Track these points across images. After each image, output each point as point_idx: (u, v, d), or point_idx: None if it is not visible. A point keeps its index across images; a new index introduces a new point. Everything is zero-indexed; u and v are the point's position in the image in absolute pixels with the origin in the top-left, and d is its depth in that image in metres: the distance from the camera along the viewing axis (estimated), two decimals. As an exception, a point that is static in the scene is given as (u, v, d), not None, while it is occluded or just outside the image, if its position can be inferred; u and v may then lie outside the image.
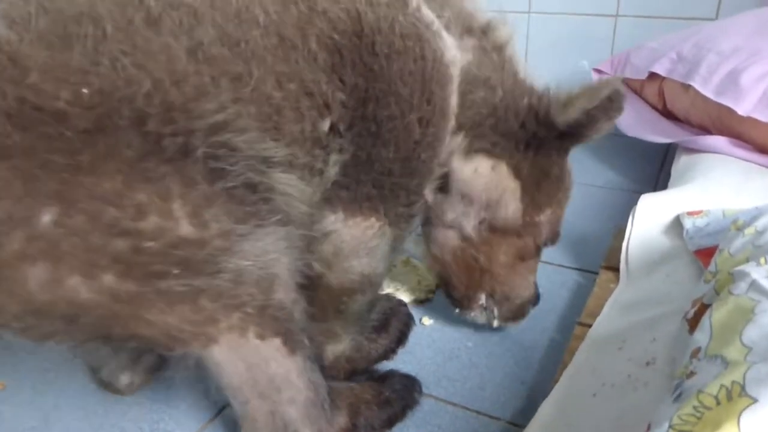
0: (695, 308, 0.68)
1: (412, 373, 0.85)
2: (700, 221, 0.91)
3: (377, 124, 0.67)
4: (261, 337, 0.62)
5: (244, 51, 0.60)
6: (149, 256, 0.54)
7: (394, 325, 0.93)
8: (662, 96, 1.44)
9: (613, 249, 1.05)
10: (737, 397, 0.42)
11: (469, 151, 0.77)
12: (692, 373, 0.51)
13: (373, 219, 0.73)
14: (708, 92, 1.22)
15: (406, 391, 0.80)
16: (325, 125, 0.65)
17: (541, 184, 0.81)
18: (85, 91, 0.51)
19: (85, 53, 0.52)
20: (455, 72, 0.71)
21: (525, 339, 0.94)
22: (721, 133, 1.23)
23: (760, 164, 1.13)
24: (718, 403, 0.43)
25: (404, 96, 0.67)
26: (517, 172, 0.79)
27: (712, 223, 0.89)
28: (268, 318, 0.61)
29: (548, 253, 1.16)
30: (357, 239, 0.73)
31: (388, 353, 0.91)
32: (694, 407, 0.44)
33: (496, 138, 0.77)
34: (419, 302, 1.04)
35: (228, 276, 0.57)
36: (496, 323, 0.90)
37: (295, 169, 0.64)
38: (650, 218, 1.01)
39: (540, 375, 0.86)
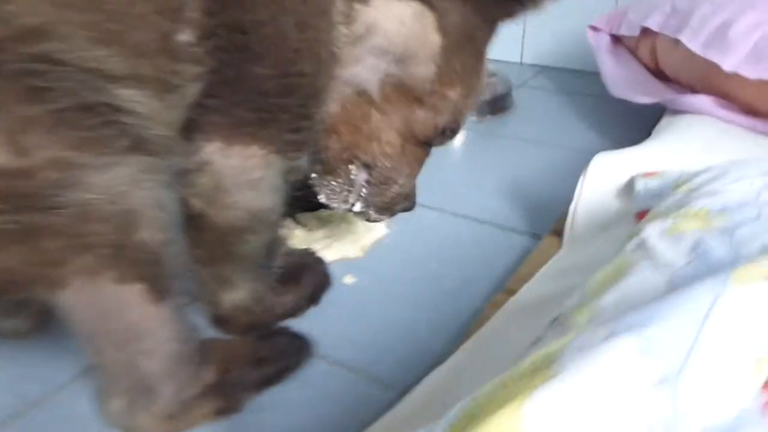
0: (602, 273, 0.59)
1: (312, 333, 0.77)
2: (652, 182, 0.81)
3: (243, 33, 0.58)
4: (119, 281, 0.54)
5: None
6: None
7: (306, 281, 0.85)
8: (654, 54, 1.31)
9: (564, 214, 0.94)
10: (545, 368, 0.33)
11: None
12: (536, 342, 0.42)
13: (254, 147, 0.64)
14: (695, 47, 1.09)
15: (288, 352, 0.72)
16: (180, 34, 0.56)
17: (463, 50, 0.71)
18: None
19: None
20: None
21: (450, 308, 0.85)
22: (707, 92, 1.10)
23: (741, 125, 1.01)
24: (521, 379, 0.33)
25: None
26: (442, 26, 0.68)
27: (664, 183, 0.79)
28: (127, 260, 0.54)
29: (499, 214, 1.07)
30: (237, 170, 0.64)
31: (296, 311, 0.83)
32: (502, 381, 0.35)
33: None
34: (347, 259, 0.96)
35: (70, 212, 0.50)
36: (357, 206, 0.78)
37: (143, 85, 0.55)
38: (603, 178, 0.90)
39: (452, 347, 0.77)
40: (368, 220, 0.81)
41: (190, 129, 0.61)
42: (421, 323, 0.82)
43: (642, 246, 0.45)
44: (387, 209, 0.80)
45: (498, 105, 1.55)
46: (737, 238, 0.39)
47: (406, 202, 0.81)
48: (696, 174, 0.68)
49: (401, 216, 1.03)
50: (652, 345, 0.30)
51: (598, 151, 0.95)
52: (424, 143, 0.77)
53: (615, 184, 0.89)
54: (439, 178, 1.23)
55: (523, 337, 0.67)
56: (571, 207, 0.89)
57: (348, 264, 0.95)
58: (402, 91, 0.71)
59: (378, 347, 0.78)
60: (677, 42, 1.16)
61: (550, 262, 0.83)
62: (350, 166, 0.75)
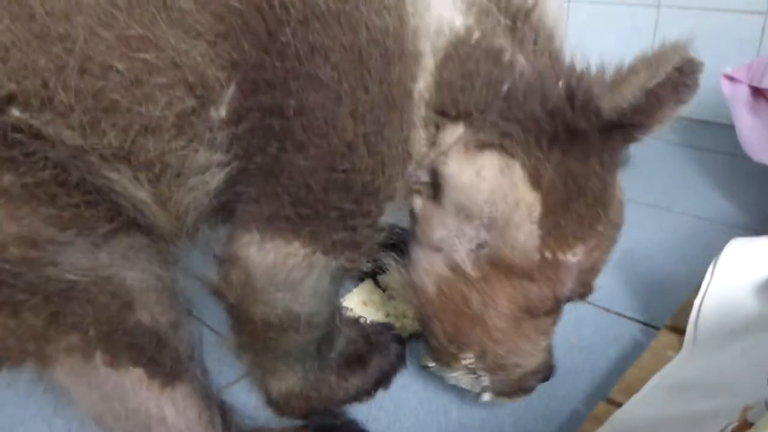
0: (738, 422, 0.45)
1: (381, 427, 0.68)
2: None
3: (284, 119, 0.50)
4: (112, 364, 0.50)
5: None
6: None
7: (375, 364, 0.75)
8: (805, 113, 1.13)
9: (686, 306, 0.80)
10: None
11: (472, 147, 0.56)
12: None
13: (296, 244, 0.55)
14: None
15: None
16: (203, 113, 0.49)
17: (573, 202, 0.56)
18: None
19: None
20: (425, 47, 0.52)
21: (538, 406, 0.73)
22: None
23: None
24: None
25: (325, 78, 0.49)
26: (537, 180, 0.55)
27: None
28: (119, 343, 0.50)
29: (608, 294, 0.94)
30: (273, 268, 0.55)
31: (362, 395, 0.74)
32: None
33: (510, 127, 0.54)
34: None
35: (50, 290, 0.47)
36: (486, 397, 0.67)
37: (141, 170, 0.50)
38: (740, 270, 0.75)
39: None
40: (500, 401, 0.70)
41: (226, 215, 0.55)
42: (505, 425, 0.71)
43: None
44: (518, 391, 0.68)
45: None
46: None
47: (540, 375, 0.67)
48: None
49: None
50: None
51: (730, 224, 0.80)
52: (547, 312, 0.63)
53: (753, 278, 0.73)
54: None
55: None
56: (697, 301, 0.75)
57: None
58: (501, 265, 0.59)
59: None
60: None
61: (665, 370, 0.69)
62: (463, 354, 0.64)
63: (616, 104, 0.49)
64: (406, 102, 0.53)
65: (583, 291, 0.62)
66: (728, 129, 1.33)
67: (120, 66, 0.45)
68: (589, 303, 0.92)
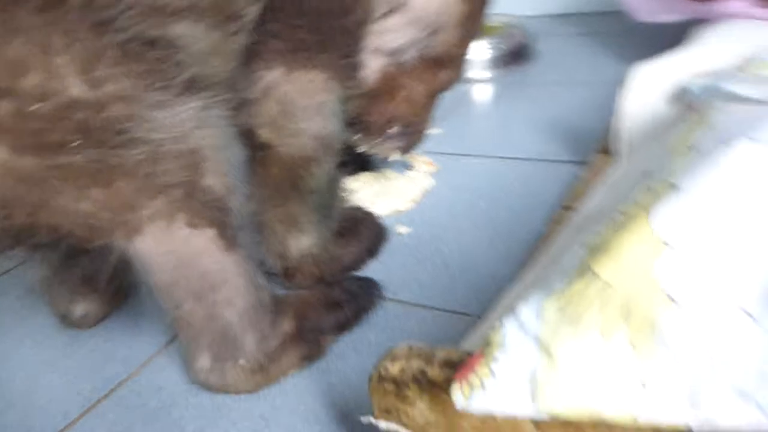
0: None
1: (379, 279, 0.76)
2: (707, 80, 0.78)
3: None
4: (192, 225, 0.54)
5: None
6: (40, 121, 0.47)
7: (364, 234, 0.84)
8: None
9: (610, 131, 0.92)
10: (658, 191, 0.31)
11: None
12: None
13: (315, 71, 0.65)
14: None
15: (361, 294, 0.72)
16: None
17: (480, 7, 0.80)
18: None
19: None
20: None
21: (509, 237, 0.84)
22: (740, -4, 1.07)
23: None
24: (634, 208, 0.32)
25: None
26: None
27: (720, 77, 0.76)
28: (197, 203, 0.54)
29: (540, 149, 1.06)
30: (302, 94, 0.65)
31: (358, 261, 0.82)
32: (606, 224, 0.33)
33: None
34: (398, 212, 0.95)
35: (141, 150, 0.50)
36: (398, 154, 0.90)
37: (200, 17, 0.55)
38: (647, 89, 0.87)
39: (515, 268, 0.76)
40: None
41: (251, 58, 0.62)
42: (482, 255, 0.81)
43: (717, 94, 0.44)
44: (416, 145, 0.92)
45: (522, 55, 1.54)
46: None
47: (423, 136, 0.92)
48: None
49: (446, 166, 1.03)
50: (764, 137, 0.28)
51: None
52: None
53: (660, 92, 0.86)
54: (477, 127, 1.23)
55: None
56: (615, 120, 0.87)
57: (400, 216, 0.94)
58: (433, 59, 0.79)
59: (445, 283, 0.77)
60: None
61: (606, 175, 0.81)
62: (391, 126, 0.85)
63: None
64: None
65: (461, 78, 0.88)
66: (618, 14, 1.47)
67: None
68: (531, 159, 1.03)
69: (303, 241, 0.74)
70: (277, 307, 0.65)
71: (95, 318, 0.81)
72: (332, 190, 0.76)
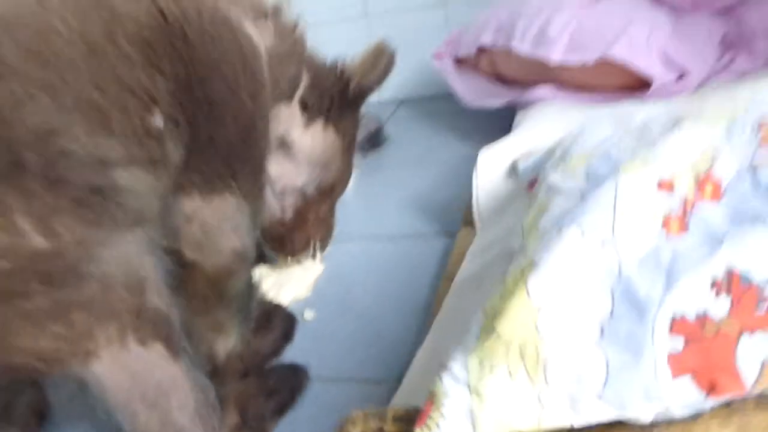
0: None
1: (299, 362, 0.86)
2: (530, 159, 0.99)
3: (210, 105, 0.69)
4: (142, 343, 0.61)
5: (51, 63, 0.60)
6: (5, 276, 0.53)
7: (277, 323, 0.94)
8: (494, 65, 1.55)
9: (470, 207, 1.11)
10: (527, 268, 0.46)
11: (307, 123, 0.91)
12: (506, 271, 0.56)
13: (226, 194, 0.75)
14: (525, 49, 1.33)
15: (291, 378, 0.81)
16: (156, 117, 0.66)
17: (352, 135, 1.00)
18: None
19: None
20: (263, 50, 0.76)
21: (403, 308, 0.97)
22: (544, 83, 1.33)
23: (580, 102, 1.24)
24: (515, 281, 0.47)
25: (229, 76, 0.71)
26: (339, 132, 0.96)
27: (539, 158, 0.97)
28: (145, 322, 0.61)
29: (413, 225, 1.22)
30: (219, 217, 0.75)
31: (277, 349, 0.92)
32: (500, 293, 0.48)
33: (324, 107, 0.93)
34: (298, 300, 1.06)
35: (94, 285, 0.57)
36: (318, 257, 1.08)
37: (135, 165, 0.64)
38: (490, 170, 1.08)
39: (419, 335, 0.90)
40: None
41: (175, 191, 0.71)
42: (383, 326, 0.94)
43: (551, 189, 0.61)
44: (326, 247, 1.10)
45: (375, 141, 1.72)
46: (614, 157, 0.55)
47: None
48: (561, 140, 0.87)
49: (330, 251, 1.16)
50: (589, 227, 0.45)
51: (470, 158, 1.13)
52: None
53: (501, 170, 1.07)
54: (348, 211, 1.37)
55: (476, 302, 0.81)
56: (473, 199, 1.06)
57: (301, 303, 1.05)
58: (329, 185, 0.99)
59: (358, 357, 0.89)
60: (510, 50, 1.39)
61: (471, 246, 0.98)
62: (311, 243, 1.04)
63: (371, 81, 0.95)
64: (267, 85, 0.76)
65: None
66: (449, 97, 1.72)
67: (99, 98, 0.61)
68: (403, 236, 1.19)
69: (229, 342, 0.83)
70: (221, 401, 0.73)
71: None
72: (250, 292, 0.85)
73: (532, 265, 0.44)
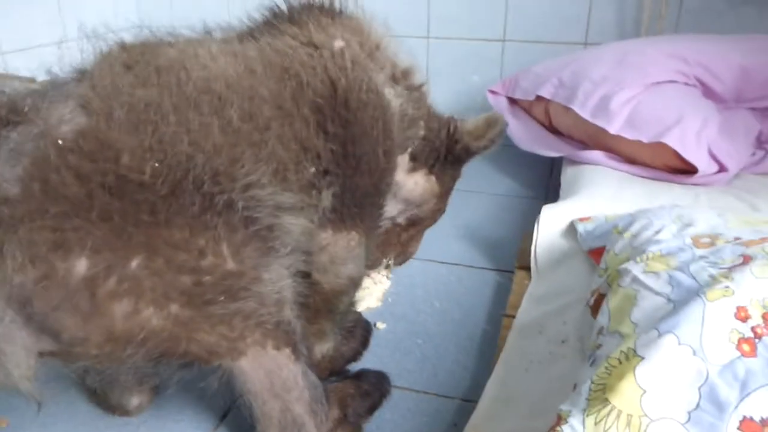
0: (594, 297, 0.92)
1: (380, 370, 1.03)
2: (589, 226, 1.16)
3: (357, 160, 0.86)
4: (277, 347, 0.77)
5: (257, 123, 0.76)
6: (205, 287, 0.69)
7: (358, 331, 1.11)
8: (548, 115, 1.71)
9: (523, 251, 1.28)
10: (632, 357, 0.64)
11: (412, 169, 1.05)
12: (600, 346, 0.74)
13: (353, 232, 0.92)
14: (585, 114, 1.49)
15: (379, 383, 0.98)
16: (318, 170, 0.84)
17: (451, 185, 1.15)
18: (157, 165, 0.66)
19: (154, 135, 0.68)
20: (397, 113, 0.92)
21: (462, 332, 1.15)
22: (597, 147, 1.51)
23: (629, 173, 1.42)
24: (620, 363, 0.65)
25: (373, 135, 0.87)
26: (441, 181, 1.10)
27: (598, 227, 1.14)
28: (281, 332, 0.77)
29: (468, 257, 1.39)
30: (345, 249, 0.92)
31: (356, 355, 1.08)
32: (606, 368, 0.66)
33: (430, 160, 1.06)
34: (371, 310, 1.23)
35: (255, 300, 0.73)
36: (385, 272, 1.27)
37: (298, 212, 0.81)
38: (551, 225, 1.25)
39: (479, 360, 1.08)
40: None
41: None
42: (448, 345, 1.12)
43: (635, 281, 0.78)
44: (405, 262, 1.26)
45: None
46: (692, 272, 0.73)
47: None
48: (623, 219, 1.05)
49: (395, 270, 1.33)
50: (683, 337, 0.62)
51: (515, 195, 1.30)
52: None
53: (559, 228, 1.24)
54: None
55: (533, 345, 0.99)
56: (532, 248, 1.23)
57: (373, 313, 1.22)
58: (417, 219, 1.14)
59: (428, 371, 1.06)
60: (568, 109, 1.56)
61: (528, 291, 1.16)
62: (387, 259, 1.21)
63: (479, 146, 1.06)
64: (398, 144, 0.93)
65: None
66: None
67: (284, 155, 0.79)
68: (459, 264, 1.37)
69: (324, 347, 1.00)
70: (327, 397, 0.89)
71: (145, 405, 0.98)
72: (350, 309, 1.02)
73: (638, 357, 0.62)
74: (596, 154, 1.49)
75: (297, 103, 0.81)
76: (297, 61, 0.83)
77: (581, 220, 1.20)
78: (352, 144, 0.86)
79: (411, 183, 1.07)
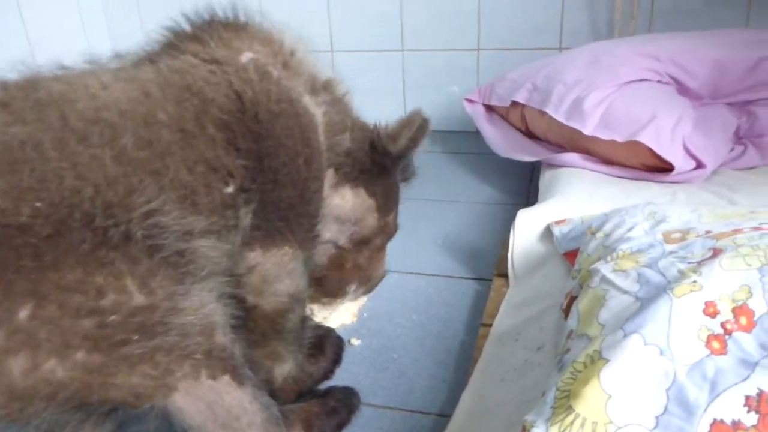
0: (567, 300, 0.88)
1: (351, 386, 0.99)
2: (564, 228, 1.13)
3: (274, 173, 0.82)
4: (212, 377, 0.72)
5: (156, 149, 0.72)
6: (112, 328, 0.65)
7: (329, 348, 1.07)
8: (524, 120, 1.69)
9: (501, 258, 1.25)
10: (597, 360, 0.60)
11: (337, 184, 0.99)
12: (568, 350, 0.70)
13: (285, 247, 0.87)
14: (560, 117, 1.47)
15: (347, 399, 0.94)
16: (231, 189, 0.79)
17: (388, 196, 1.06)
18: (38, 204, 0.62)
19: (32, 174, 0.63)
20: (319, 119, 0.89)
21: (440, 345, 1.11)
22: (573, 149, 1.48)
23: (606, 174, 1.39)
24: (586, 367, 0.61)
25: (290, 146, 0.83)
26: (371, 193, 1.02)
27: (574, 229, 1.11)
28: (214, 359, 0.72)
29: (447, 267, 1.36)
30: (277, 266, 0.87)
31: (328, 373, 1.04)
32: (571, 373, 0.62)
33: (355, 171, 0.99)
34: (345, 326, 1.19)
35: (176, 331, 0.68)
36: (356, 298, 1.17)
37: (212, 234, 0.77)
38: (527, 230, 1.22)
39: (457, 372, 1.04)
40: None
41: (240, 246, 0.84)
42: (426, 360, 1.08)
43: (604, 280, 0.75)
44: (372, 288, 1.18)
45: (405, 173, 1.85)
46: (660, 269, 0.70)
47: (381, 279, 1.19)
48: (597, 220, 1.02)
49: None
50: (649, 336, 0.59)
51: (495, 203, 1.27)
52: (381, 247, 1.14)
53: (536, 232, 1.21)
54: (390, 247, 1.50)
55: (510, 354, 0.95)
56: (509, 254, 1.20)
57: (347, 330, 1.18)
58: (362, 239, 1.06)
59: (403, 386, 1.02)
60: (543, 112, 1.53)
61: (506, 298, 1.12)
62: (350, 287, 1.11)
63: (399, 148, 0.98)
64: (322, 151, 0.90)
65: (395, 227, 1.13)
66: (474, 135, 1.86)
67: (190, 178, 0.75)
68: (438, 275, 1.33)
69: (285, 368, 0.95)
70: (287, 419, 0.85)
71: None
72: (303, 325, 0.98)
73: (603, 360, 0.58)
74: (572, 157, 1.46)
75: (201, 123, 0.77)
76: (199, 78, 0.79)
77: (557, 222, 1.17)
78: (268, 157, 0.82)
79: (338, 199, 1.00)
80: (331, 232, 1.02)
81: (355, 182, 1.00)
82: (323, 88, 0.95)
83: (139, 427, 0.80)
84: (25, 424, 0.67)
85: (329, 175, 0.96)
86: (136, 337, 0.66)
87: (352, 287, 1.11)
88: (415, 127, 0.98)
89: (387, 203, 1.05)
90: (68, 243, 0.63)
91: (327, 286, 1.10)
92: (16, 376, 0.61)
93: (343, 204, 1.00)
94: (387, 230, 1.09)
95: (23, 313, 0.60)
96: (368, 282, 1.14)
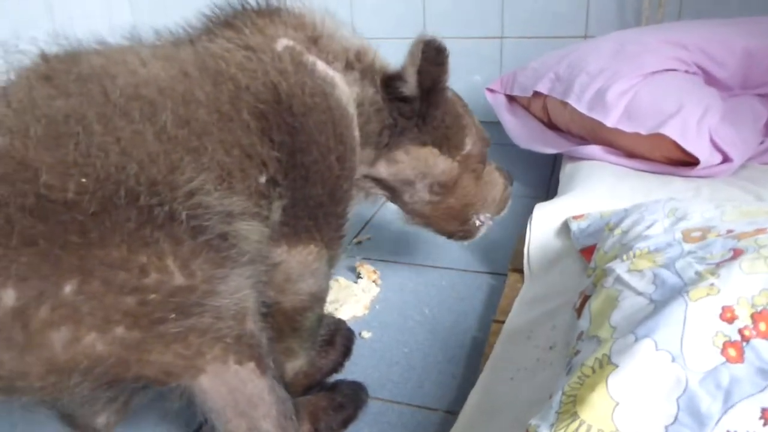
0: (580, 299, 0.85)
1: (359, 381, 0.98)
2: (582, 224, 1.10)
3: (306, 169, 0.81)
4: (239, 362, 0.72)
5: (195, 128, 0.72)
6: (152, 306, 0.65)
7: (339, 341, 1.06)
8: (546, 111, 1.65)
9: (517, 253, 1.22)
10: (606, 365, 0.58)
11: (387, 154, 0.97)
12: (578, 351, 0.67)
13: (311, 246, 0.86)
14: (582, 108, 1.43)
15: (355, 394, 0.93)
16: (264, 180, 0.78)
17: (447, 133, 0.99)
18: (84, 180, 0.62)
19: (78, 148, 0.63)
20: (352, 109, 0.87)
21: (451, 340, 1.09)
22: (596, 141, 1.44)
23: (627, 167, 1.35)
24: (594, 371, 0.59)
25: (322, 142, 0.81)
26: (422, 143, 0.98)
27: (592, 224, 1.08)
28: (243, 345, 0.72)
29: (462, 260, 1.34)
30: (301, 264, 0.86)
31: (337, 366, 1.03)
32: (578, 377, 0.60)
33: (395, 135, 0.96)
34: (356, 318, 1.17)
35: (211, 314, 0.68)
36: (491, 222, 1.13)
37: (251, 218, 0.76)
38: (544, 224, 1.19)
39: (467, 369, 1.02)
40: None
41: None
42: (437, 355, 1.06)
43: (618, 280, 0.72)
44: (504, 206, 1.16)
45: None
46: (677, 270, 0.67)
47: (509, 186, 1.17)
48: (616, 215, 0.98)
49: (386, 273, 1.27)
50: (661, 341, 0.56)
51: (515, 195, 1.23)
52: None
53: (553, 227, 1.18)
54: (405, 236, 1.48)
55: (521, 352, 0.93)
56: (525, 248, 1.17)
57: (359, 321, 1.16)
58: (444, 182, 1.03)
59: (413, 381, 1.00)
60: (566, 103, 1.49)
61: (520, 294, 1.10)
62: (473, 222, 1.10)
63: (411, 89, 0.91)
64: (356, 145, 0.88)
65: (486, 143, 1.11)
66: (495, 125, 1.82)
67: (227, 160, 0.74)
68: (452, 268, 1.31)
69: (297, 364, 0.95)
70: (297, 412, 0.84)
71: (114, 424, 0.94)
72: (319, 324, 0.97)
73: (612, 365, 0.56)
74: (594, 149, 1.42)
75: (236, 107, 0.76)
76: (234, 64, 0.78)
77: (575, 217, 1.13)
78: (301, 153, 0.81)
79: (393, 166, 0.99)
80: (410, 196, 1.02)
81: (398, 144, 0.97)
82: (356, 59, 0.93)
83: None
84: (55, 401, 0.67)
85: (371, 154, 0.96)
86: (173, 316, 0.66)
87: (476, 220, 1.10)
88: (419, 57, 0.87)
89: (450, 140, 1.00)
90: (114, 221, 0.63)
91: (448, 232, 1.10)
92: (57, 349, 0.62)
93: (401, 168, 0.99)
94: (470, 158, 1.04)
95: (68, 288, 0.61)
96: (491, 205, 1.11)
